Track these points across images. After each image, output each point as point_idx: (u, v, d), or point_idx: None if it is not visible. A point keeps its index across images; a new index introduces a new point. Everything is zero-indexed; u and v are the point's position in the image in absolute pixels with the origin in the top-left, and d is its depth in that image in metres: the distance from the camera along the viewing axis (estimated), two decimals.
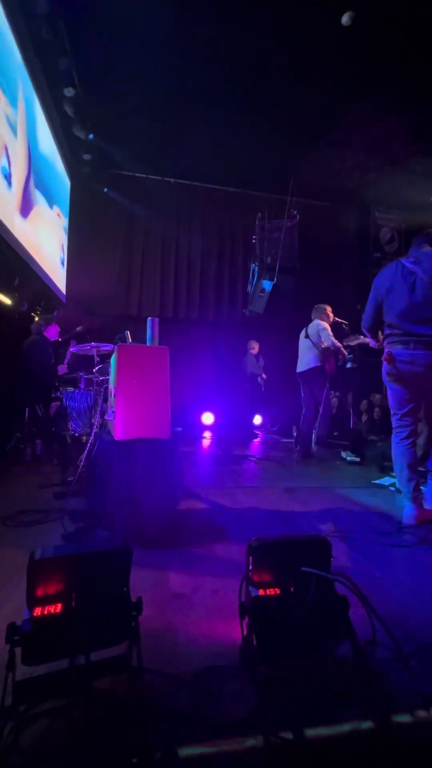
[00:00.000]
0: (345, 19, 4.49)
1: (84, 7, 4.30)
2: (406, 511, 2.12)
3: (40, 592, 0.81)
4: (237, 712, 0.79)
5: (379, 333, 2.36)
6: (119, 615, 0.83)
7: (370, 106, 5.34)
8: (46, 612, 0.79)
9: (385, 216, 7.27)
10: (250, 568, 0.95)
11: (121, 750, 0.70)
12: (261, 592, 0.92)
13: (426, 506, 2.14)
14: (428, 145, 5.72)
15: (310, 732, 0.75)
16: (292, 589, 0.92)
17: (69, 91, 4.90)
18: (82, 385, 4.01)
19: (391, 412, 2.29)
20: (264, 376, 6.15)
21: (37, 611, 0.79)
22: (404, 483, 2.18)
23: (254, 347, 6.12)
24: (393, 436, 2.27)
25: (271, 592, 0.92)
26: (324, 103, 5.33)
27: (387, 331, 2.25)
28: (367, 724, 0.78)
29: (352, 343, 3.57)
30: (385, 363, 2.22)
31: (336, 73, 4.96)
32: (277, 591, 0.92)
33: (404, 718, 0.80)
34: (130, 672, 0.86)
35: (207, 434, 6.08)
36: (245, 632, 0.93)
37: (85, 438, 3.48)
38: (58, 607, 0.80)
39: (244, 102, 5.53)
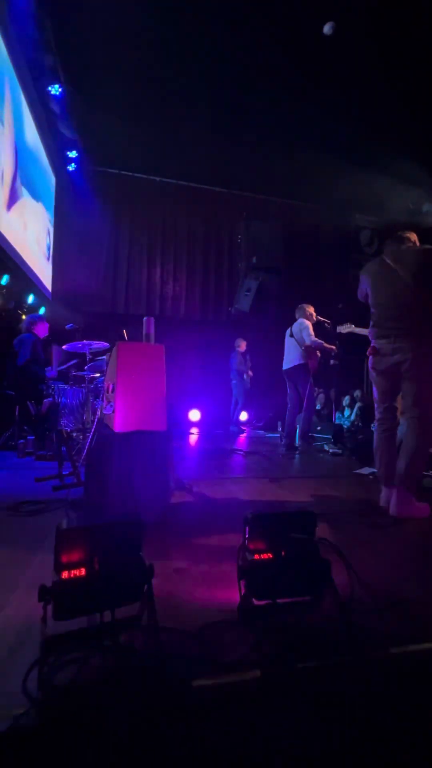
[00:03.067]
0: (327, 28, 4.66)
1: (71, 7, 4.33)
2: (383, 496, 2.30)
3: (65, 559, 0.92)
4: (237, 654, 0.93)
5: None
6: (135, 577, 0.96)
7: (350, 113, 5.55)
8: (72, 575, 0.91)
9: (365, 218, 7.53)
10: (247, 536, 1.08)
11: (144, 685, 0.83)
12: (256, 556, 1.06)
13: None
14: (405, 151, 5.98)
15: (300, 666, 0.90)
16: (283, 554, 1.06)
17: (55, 89, 4.91)
18: (71, 382, 4.07)
19: (375, 403, 2.42)
20: (250, 373, 6.30)
21: (65, 574, 0.91)
22: (382, 473, 2.32)
23: (241, 345, 6.26)
24: (376, 426, 2.39)
25: (265, 556, 1.06)
26: (305, 108, 5.51)
27: (371, 325, 2.35)
28: (348, 659, 0.93)
29: (344, 331, 3.68)
30: (370, 356, 2.34)
31: (318, 79, 5.14)
32: (270, 555, 1.06)
33: (377, 655, 0.96)
34: (142, 629, 0.99)
35: (194, 430, 6.20)
36: (243, 591, 1.07)
37: (76, 434, 3.56)
38: (82, 571, 0.92)
39: (228, 104, 5.66)
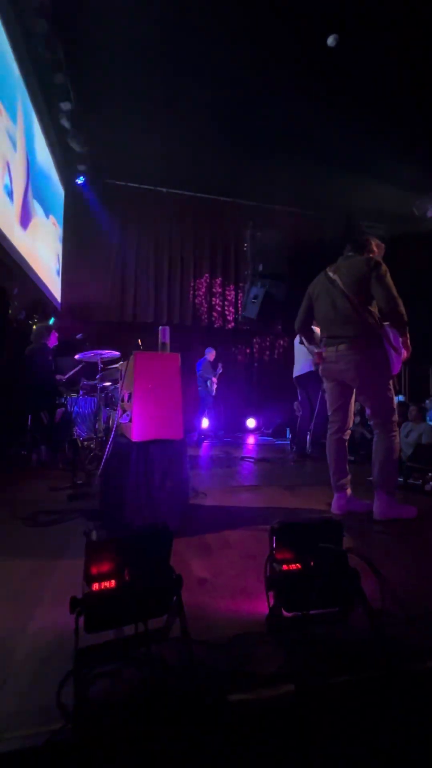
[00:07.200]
0: (330, 40, 4.75)
1: (80, 26, 4.46)
2: (334, 501, 2.30)
3: (95, 570, 0.92)
4: (269, 668, 0.92)
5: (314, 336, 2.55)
6: (165, 588, 0.95)
7: (355, 121, 5.62)
8: (102, 587, 0.91)
9: (370, 224, 7.56)
10: (274, 547, 1.07)
11: (178, 699, 0.82)
12: (285, 567, 1.05)
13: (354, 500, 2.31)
14: (410, 158, 6.03)
15: (333, 680, 0.89)
16: (311, 564, 1.05)
17: (65, 105, 5.04)
18: (81, 392, 4.09)
19: (327, 408, 2.47)
20: (215, 380, 6.23)
21: (95, 586, 0.90)
22: (331, 474, 2.35)
23: (211, 354, 6.24)
24: (327, 430, 2.44)
25: (293, 567, 1.05)
26: (310, 118, 5.59)
27: (320, 335, 2.43)
28: (380, 673, 0.91)
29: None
30: (319, 364, 2.41)
31: (323, 89, 5.22)
32: (299, 566, 1.05)
33: (411, 668, 0.94)
34: (171, 640, 0.98)
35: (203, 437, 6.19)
36: (272, 603, 1.05)
37: (87, 442, 3.57)
38: (112, 583, 0.92)
39: (234, 116, 5.75)
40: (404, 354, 2.19)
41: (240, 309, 7.30)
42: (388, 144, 5.83)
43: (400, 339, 2.16)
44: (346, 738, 0.86)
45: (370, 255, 2.26)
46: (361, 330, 2.14)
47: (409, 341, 2.17)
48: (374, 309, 2.18)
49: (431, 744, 0.90)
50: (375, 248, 2.33)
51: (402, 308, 2.07)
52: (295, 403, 4.85)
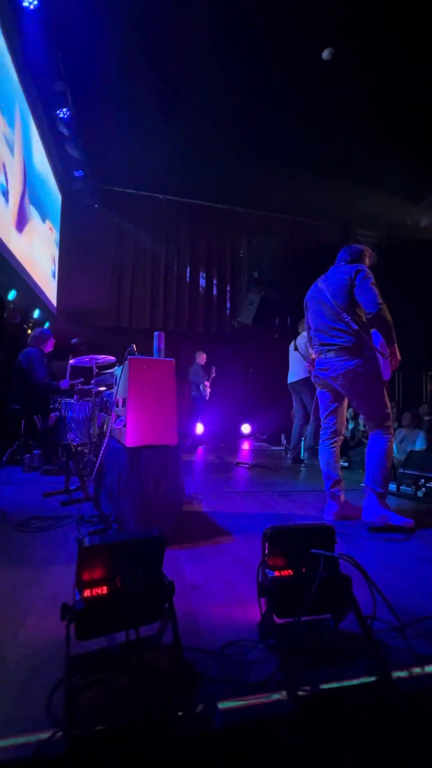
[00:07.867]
0: (325, 54, 4.86)
1: (79, 34, 4.51)
2: (327, 508, 2.30)
3: (87, 577, 0.92)
4: (261, 674, 0.92)
5: None
6: (157, 595, 0.95)
7: (349, 131, 5.72)
8: (94, 593, 0.90)
9: (365, 233, 7.67)
10: (266, 552, 1.08)
11: (169, 707, 0.82)
12: (276, 573, 1.05)
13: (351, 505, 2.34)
14: (403, 168, 6.14)
15: (325, 687, 0.89)
16: (303, 570, 1.05)
17: (63, 112, 5.08)
18: (75, 396, 4.08)
19: (320, 414, 2.51)
20: (207, 384, 6.23)
21: (87, 593, 0.90)
22: (324, 480, 2.37)
23: (201, 357, 6.25)
24: (320, 437, 2.47)
25: (285, 573, 1.05)
26: (306, 128, 5.68)
27: (312, 343, 2.47)
28: (371, 679, 0.92)
29: None
30: (311, 371, 2.45)
31: (318, 100, 5.32)
32: (291, 572, 1.06)
33: (402, 674, 0.94)
34: (163, 647, 0.97)
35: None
36: (264, 609, 1.05)
37: (80, 447, 3.55)
38: (104, 589, 0.91)
39: (230, 124, 5.84)
40: (394, 363, 2.21)
41: (236, 315, 7.34)
42: (384, 153, 5.94)
43: (388, 348, 2.19)
44: (339, 744, 0.86)
45: (361, 264, 2.29)
46: (348, 337, 2.18)
47: (397, 350, 2.18)
48: (361, 316, 2.21)
49: (425, 750, 0.90)
50: (367, 259, 2.37)
51: (386, 313, 2.10)
52: (293, 409, 4.87)
